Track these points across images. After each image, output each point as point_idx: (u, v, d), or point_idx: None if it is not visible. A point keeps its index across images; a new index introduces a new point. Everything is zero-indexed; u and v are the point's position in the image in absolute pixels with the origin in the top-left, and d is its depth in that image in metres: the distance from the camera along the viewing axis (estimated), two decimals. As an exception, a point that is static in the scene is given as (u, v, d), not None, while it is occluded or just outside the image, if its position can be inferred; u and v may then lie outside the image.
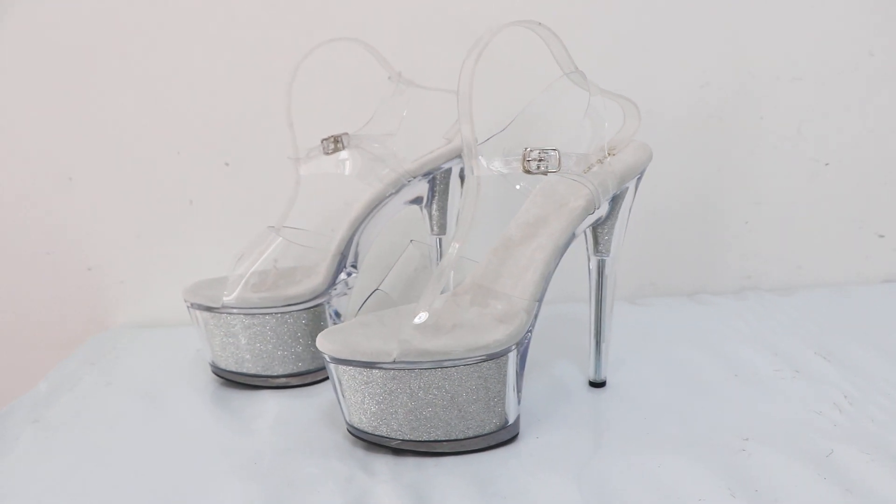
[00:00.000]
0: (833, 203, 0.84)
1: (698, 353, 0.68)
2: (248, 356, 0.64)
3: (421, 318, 0.52)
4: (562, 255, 0.55)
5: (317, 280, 0.65)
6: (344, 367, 0.51)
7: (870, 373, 0.63)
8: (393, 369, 0.50)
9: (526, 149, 0.50)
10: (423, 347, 0.50)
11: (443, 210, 0.69)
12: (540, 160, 0.50)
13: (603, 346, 0.62)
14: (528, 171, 0.50)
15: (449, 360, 0.50)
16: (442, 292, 0.55)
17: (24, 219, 0.80)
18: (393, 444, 0.53)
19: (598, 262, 0.60)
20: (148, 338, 0.80)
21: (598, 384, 0.63)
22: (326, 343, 0.52)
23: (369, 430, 0.53)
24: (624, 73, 0.80)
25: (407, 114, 0.66)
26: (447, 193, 0.69)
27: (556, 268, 0.55)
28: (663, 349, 0.70)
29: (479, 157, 0.50)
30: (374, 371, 0.50)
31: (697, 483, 0.48)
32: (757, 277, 0.86)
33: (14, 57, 0.76)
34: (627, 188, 0.57)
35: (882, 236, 0.85)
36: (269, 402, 0.63)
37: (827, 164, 0.83)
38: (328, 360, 0.52)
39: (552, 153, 0.50)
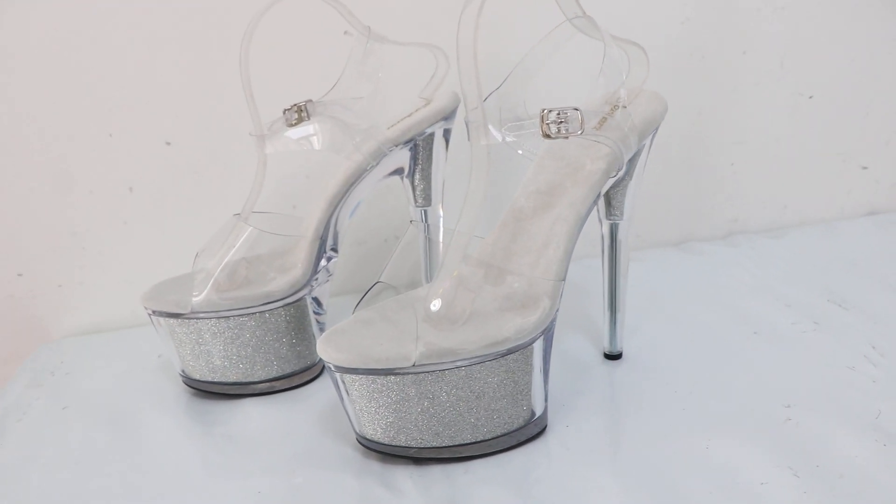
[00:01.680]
0: (817, 137, 0.81)
1: (709, 309, 0.65)
2: (224, 363, 0.57)
3: (436, 304, 0.46)
4: (583, 225, 0.49)
5: (296, 271, 0.57)
6: (353, 376, 0.45)
7: (890, 316, 0.60)
8: (411, 373, 0.44)
9: (543, 110, 0.44)
10: (445, 346, 0.44)
11: (427, 179, 0.62)
12: (560, 122, 0.44)
13: (619, 315, 0.57)
14: (547, 136, 0.44)
15: (473, 357, 0.44)
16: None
17: (-68, 224, 0.69)
18: (411, 452, 0.47)
19: (611, 226, 0.55)
20: (98, 346, 0.71)
21: (614, 356, 0.58)
22: (331, 350, 0.45)
23: (385, 440, 0.47)
24: (597, 10, 0.73)
25: (382, 75, 0.58)
26: (430, 161, 0.62)
27: (577, 240, 0.49)
28: (670, 309, 0.66)
29: (490, 126, 0.43)
30: (390, 378, 0.44)
31: (754, 464, 0.45)
32: (743, 220, 0.83)
33: None
34: (644, 145, 0.52)
35: (865, 168, 0.83)
36: (255, 413, 0.56)
37: (811, 97, 0.79)
38: (333, 369, 0.45)
39: (573, 113, 0.44)
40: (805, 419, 0.48)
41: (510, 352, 0.45)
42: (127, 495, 0.48)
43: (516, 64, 0.49)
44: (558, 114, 0.44)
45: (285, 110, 0.57)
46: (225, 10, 0.66)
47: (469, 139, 0.45)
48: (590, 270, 0.72)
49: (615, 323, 0.57)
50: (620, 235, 0.55)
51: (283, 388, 0.59)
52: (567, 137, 0.44)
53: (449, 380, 0.45)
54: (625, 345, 0.59)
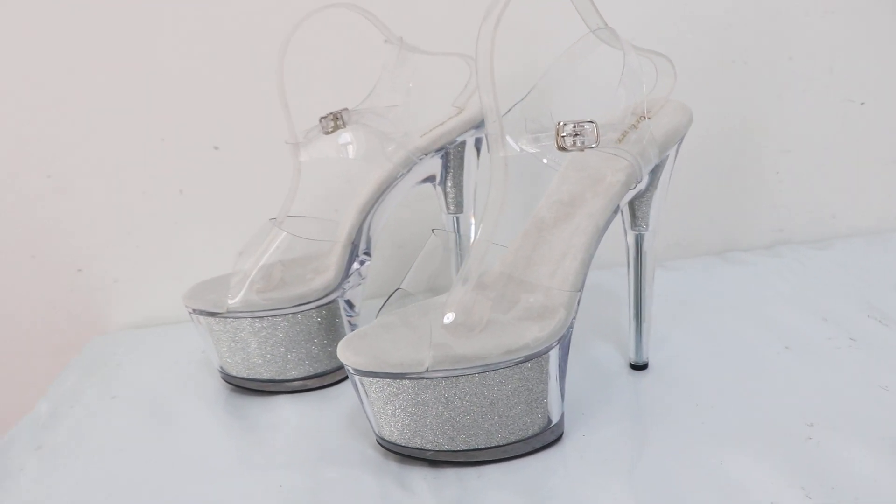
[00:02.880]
0: (868, 145, 0.79)
1: (742, 322, 0.64)
2: (259, 361, 0.59)
3: (449, 318, 0.47)
4: (602, 236, 0.50)
5: (328, 274, 0.60)
6: (370, 379, 0.46)
7: (931, 335, 0.59)
8: (426, 378, 0.45)
9: (559, 123, 0.44)
10: (458, 353, 0.45)
11: (459, 187, 0.63)
12: (576, 135, 0.44)
13: (644, 325, 0.57)
14: (562, 149, 0.45)
15: (486, 364, 0.45)
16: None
17: (2, 221, 0.74)
18: (427, 455, 0.49)
19: (637, 236, 0.55)
20: (148, 340, 0.75)
21: (639, 367, 0.58)
22: (350, 354, 0.47)
23: (401, 442, 0.48)
24: (638, 18, 0.73)
25: (413, 85, 0.59)
26: (462, 168, 0.63)
27: (595, 252, 0.49)
28: (704, 320, 0.65)
29: (507, 137, 0.44)
30: (404, 381, 0.46)
31: (766, 482, 0.44)
32: (789, 230, 0.81)
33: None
34: (668, 156, 0.52)
35: (921, 178, 0.80)
36: (286, 410, 0.58)
37: (862, 104, 0.77)
38: (352, 372, 0.47)
39: (588, 126, 0.44)
40: (826, 439, 0.47)
41: (526, 360, 0.46)
42: (160, 479, 0.51)
43: (541, 75, 0.49)
44: (574, 126, 0.44)
45: (321, 118, 0.59)
46: (271, 19, 0.69)
47: (489, 150, 0.46)
48: (622, 279, 0.72)
49: (640, 333, 0.57)
50: (645, 246, 0.55)
51: (316, 386, 0.61)
52: (582, 150, 0.44)
53: (463, 386, 0.46)
54: (653, 355, 0.59)
